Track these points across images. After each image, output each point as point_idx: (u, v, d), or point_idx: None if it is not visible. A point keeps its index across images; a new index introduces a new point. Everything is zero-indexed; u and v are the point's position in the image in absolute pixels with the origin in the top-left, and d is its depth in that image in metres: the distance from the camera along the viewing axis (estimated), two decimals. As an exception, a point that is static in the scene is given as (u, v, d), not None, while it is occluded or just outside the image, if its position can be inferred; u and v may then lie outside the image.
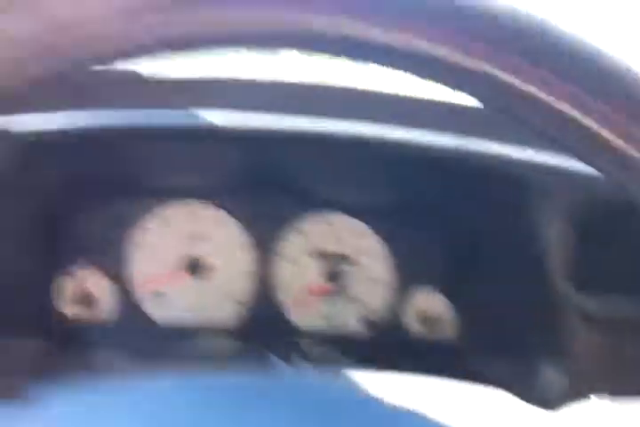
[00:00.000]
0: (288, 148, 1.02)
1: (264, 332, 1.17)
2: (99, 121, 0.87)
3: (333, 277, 1.21)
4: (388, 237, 1.24)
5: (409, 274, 1.20)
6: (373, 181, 1.21)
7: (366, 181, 1.21)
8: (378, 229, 1.26)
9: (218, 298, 1.17)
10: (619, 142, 0.29)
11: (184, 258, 1.16)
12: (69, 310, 1.12)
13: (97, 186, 1.10)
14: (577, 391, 0.72)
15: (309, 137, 0.96)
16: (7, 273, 1.00)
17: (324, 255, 1.24)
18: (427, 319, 1.20)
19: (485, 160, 0.93)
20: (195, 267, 1.16)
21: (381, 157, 1.04)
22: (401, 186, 1.20)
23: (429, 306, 1.21)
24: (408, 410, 0.39)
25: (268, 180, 1.20)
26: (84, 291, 1.13)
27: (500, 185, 0.98)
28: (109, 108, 0.87)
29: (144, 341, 1.12)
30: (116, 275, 1.13)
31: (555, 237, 0.95)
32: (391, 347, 1.20)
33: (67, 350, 1.09)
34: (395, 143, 0.94)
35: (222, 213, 1.25)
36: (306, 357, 1.13)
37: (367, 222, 1.27)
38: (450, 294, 1.23)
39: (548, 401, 0.80)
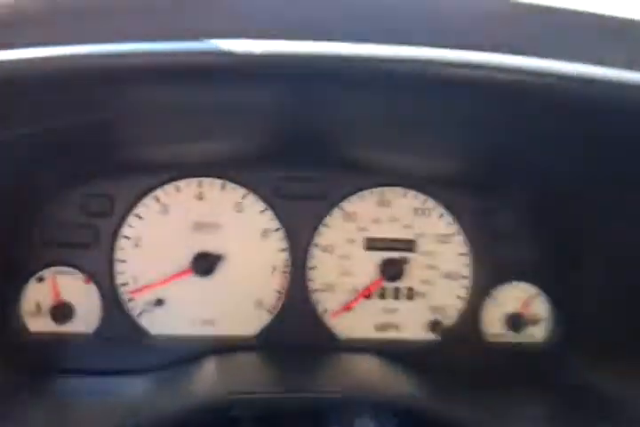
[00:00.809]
0: (328, 91, 0.72)
1: (296, 346, 0.94)
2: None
3: (392, 271, 0.99)
4: (464, 215, 1.01)
5: (493, 267, 1.01)
6: (443, 140, 0.89)
7: (433, 143, 0.90)
8: (450, 206, 1.01)
9: (236, 304, 0.96)
10: None
11: (190, 254, 0.94)
12: (42, 324, 0.91)
13: (74, 160, 0.85)
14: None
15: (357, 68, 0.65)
16: None
17: (379, 244, 0.99)
18: (514, 321, 1.02)
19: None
20: (204, 264, 0.94)
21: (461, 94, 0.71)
22: (484, 143, 0.89)
23: (519, 304, 1.02)
24: None
25: (302, 146, 0.91)
26: (59, 301, 0.91)
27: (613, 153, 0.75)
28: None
29: (137, 362, 0.90)
30: (102, 279, 0.92)
31: None
32: (466, 356, 0.99)
33: (35, 377, 0.86)
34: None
35: (240, 193, 0.97)
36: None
37: (436, 198, 1.01)
38: (545, 289, 1.02)
39: None
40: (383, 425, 0.61)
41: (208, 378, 0.84)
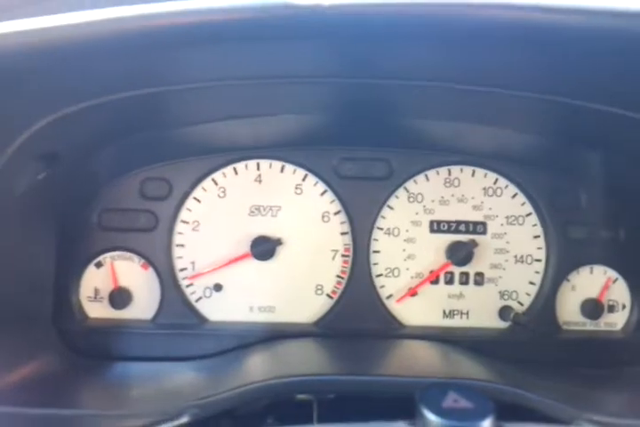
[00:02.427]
0: (396, 55, 0.67)
1: (359, 332, 0.91)
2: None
3: (461, 255, 0.93)
4: (539, 195, 0.94)
5: (569, 250, 0.94)
6: (516, 114, 0.82)
7: (506, 117, 0.83)
8: (523, 185, 0.94)
9: (295, 289, 0.93)
10: None
11: (249, 238, 0.91)
12: (97, 309, 0.91)
13: (132, 143, 0.81)
14: None
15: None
16: (10, 266, 0.74)
17: (447, 226, 0.94)
18: (593, 308, 0.96)
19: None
20: (263, 248, 0.91)
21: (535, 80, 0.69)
22: (559, 116, 0.81)
23: (597, 289, 0.96)
24: None
25: (365, 123, 0.85)
26: (118, 286, 0.90)
27: None
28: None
29: (194, 349, 0.88)
30: (160, 265, 0.90)
31: None
32: (540, 347, 0.92)
33: (90, 362, 0.84)
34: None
35: (300, 174, 0.93)
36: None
37: (508, 177, 0.94)
38: (624, 273, 0.95)
39: None
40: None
41: (267, 362, 0.81)
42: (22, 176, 0.71)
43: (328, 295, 0.94)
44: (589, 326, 0.96)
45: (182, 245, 0.91)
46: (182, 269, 0.91)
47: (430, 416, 0.48)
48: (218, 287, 0.91)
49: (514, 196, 0.94)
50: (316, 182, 0.92)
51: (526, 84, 0.74)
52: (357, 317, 0.93)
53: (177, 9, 0.56)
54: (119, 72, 0.62)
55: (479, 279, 0.95)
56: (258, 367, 0.79)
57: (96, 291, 0.90)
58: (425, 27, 0.57)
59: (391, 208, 0.93)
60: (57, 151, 0.72)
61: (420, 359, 0.85)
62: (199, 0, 0.59)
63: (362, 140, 0.90)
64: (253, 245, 0.90)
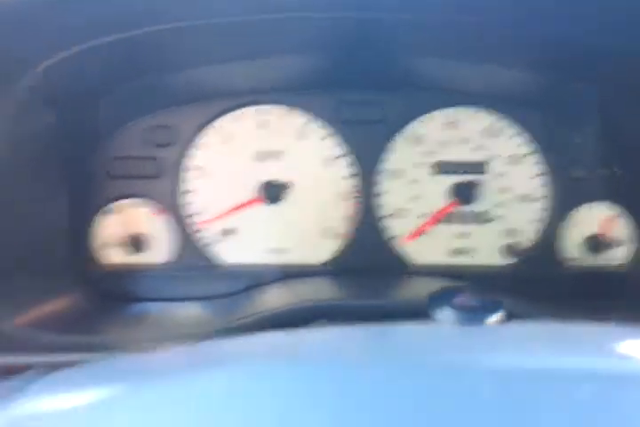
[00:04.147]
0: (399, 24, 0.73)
1: (367, 271, 0.93)
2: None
3: (464, 195, 0.96)
4: (540, 134, 0.96)
5: (571, 187, 0.97)
6: (514, 51, 0.84)
7: (504, 55, 0.85)
8: (524, 125, 0.96)
9: (305, 231, 0.96)
10: None
11: (257, 182, 0.94)
12: (113, 254, 0.93)
13: (135, 91, 0.84)
14: None
15: None
16: (25, 209, 0.77)
17: (449, 167, 0.97)
18: (593, 243, 0.98)
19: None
20: (272, 192, 0.93)
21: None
22: (557, 53, 0.84)
23: (598, 225, 0.98)
24: None
25: (364, 65, 0.87)
26: (132, 232, 0.93)
27: None
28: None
29: (209, 290, 0.91)
30: (173, 209, 0.93)
31: None
32: (543, 280, 0.95)
33: (109, 303, 0.88)
34: None
35: (302, 119, 0.95)
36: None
37: (508, 116, 0.96)
38: (627, 208, 0.97)
39: None
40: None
41: (282, 297, 0.84)
42: (29, 122, 0.74)
43: (337, 237, 0.95)
44: (592, 260, 0.98)
45: (192, 191, 0.93)
46: (194, 215, 0.93)
47: (442, 312, 0.50)
48: (230, 231, 0.94)
49: (513, 136, 0.96)
50: (319, 126, 0.94)
51: (519, 20, 0.76)
52: (366, 257, 0.96)
53: None
54: (119, 11, 0.65)
55: (483, 218, 0.97)
56: (272, 303, 0.82)
57: (111, 237, 0.92)
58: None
59: (394, 151, 0.95)
60: (61, 95, 0.74)
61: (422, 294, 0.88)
62: None
63: (361, 83, 0.92)
64: (262, 189, 0.92)
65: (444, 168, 0.96)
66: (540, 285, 0.93)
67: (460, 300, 0.51)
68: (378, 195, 0.96)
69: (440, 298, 0.51)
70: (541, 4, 0.70)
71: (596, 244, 0.98)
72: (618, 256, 0.98)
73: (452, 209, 0.97)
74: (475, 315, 0.49)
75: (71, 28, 0.65)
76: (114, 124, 0.91)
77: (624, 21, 0.71)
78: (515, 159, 0.96)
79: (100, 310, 0.85)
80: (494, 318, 0.49)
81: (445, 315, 0.52)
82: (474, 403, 0.34)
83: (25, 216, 0.77)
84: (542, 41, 0.81)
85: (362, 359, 0.40)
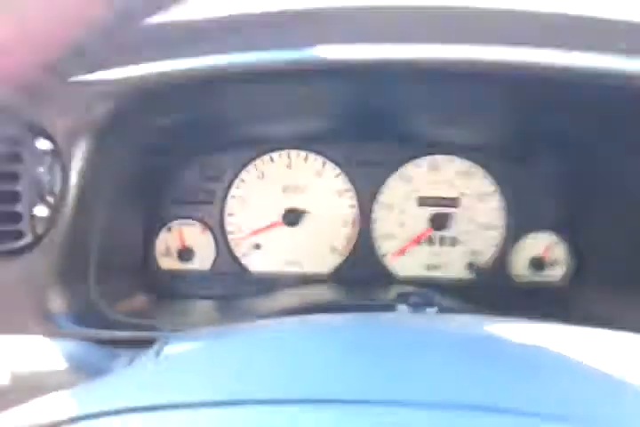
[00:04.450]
0: (390, 86, 0.93)
1: (362, 280, 1.16)
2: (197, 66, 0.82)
3: (440, 223, 1.18)
4: (501, 177, 1.18)
5: (522, 219, 1.18)
6: (490, 118, 1.08)
7: (482, 119, 1.09)
8: (491, 171, 1.19)
9: (315, 247, 1.18)
10: None
11: (281, 209, 1.18)
12: (170, 263, 1.17)
13: (196, 139, 1.03)
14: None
15: (414, 68, 0.86)
16: (109, 226, 0.98)
17: (429, 201, 1.19)
18: (537, 263, 1.19)
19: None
20: (292, 217, 1.17)
21: (495, 84, 0.92)
22: (515, 120, 1.09)
23: (541, 250, 1.19)
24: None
25: (373, 126, 1.10)
26: (184, 245, 1.16)
27: (622, 125, 0.89)
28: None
29: (239, 291, 1.13)
30: (215, 229, 1.17)
31: None
32: (495, 291, 1.17)
33: (166, 300, 1.11)
34: (510, 66, 0.83)
35: (320, 161, 1.19)
36: (405, 302, 1.09)
37: (479, 164, 1.18)
38: (564, 237, 1.19)
39: None
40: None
41: (294, 297, 1.10)
42: (130, 166, 0.99)
43: (340, 253, 1.18)
44: (535, 277, 1.18)
45: (232, 215, 1.16)
46: (231, 233, 1.17)
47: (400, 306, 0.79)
48: (258, 246, 1.18)
49: (480, 178, 1.18)
50: (333, 167, 1.17)
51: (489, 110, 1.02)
52: (361, 269, 1.17)
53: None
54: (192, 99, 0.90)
55: (453, 241, 1.18)
56: (286, 302, 1.08)
57: (167, 248, 1.16)
58: (414, 76, 0.84)
59: (388, 187, 1.18)
60: (163, 147, 1.00)
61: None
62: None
63: (368, 136, 1.14)
64: (285, 214, 1.16)
65: (425, 202, 1.18)
66: (495, 294, 1.13)
67: (412, 299, 0.80)
68: (373, 221, 1.19)
69: (401, 298, 0.81)
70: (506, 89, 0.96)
71: (539, 264, 1.18)
72: (555, 274, 1.18)
73: (430, 234, 1.19)
74: (417, 308, 0.79)
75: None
76: (180, 163, 1.14)
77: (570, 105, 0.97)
78: (480, 196, 1.18)
79: (159, 303, 1.11)
80: (430, 310, 0.78)
81: (401, 308, 0.81)
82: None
83: (116, 233, 1.00)
84: (503, 112, 1.08)
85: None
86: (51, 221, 0.85)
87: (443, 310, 0.82)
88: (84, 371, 0.64)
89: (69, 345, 0.70)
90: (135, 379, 0.43)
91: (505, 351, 0.45)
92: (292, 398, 0.36)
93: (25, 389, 0.58)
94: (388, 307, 0.82)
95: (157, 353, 0.54)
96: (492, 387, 0.39)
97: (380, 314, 0.63)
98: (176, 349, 0.54)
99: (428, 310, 0.81)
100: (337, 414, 0.35)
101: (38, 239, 0.85)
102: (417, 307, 0.82)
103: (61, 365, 0.63)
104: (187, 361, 0.46)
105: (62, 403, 0.40)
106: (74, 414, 0.37)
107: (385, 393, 0.36)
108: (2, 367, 0.58)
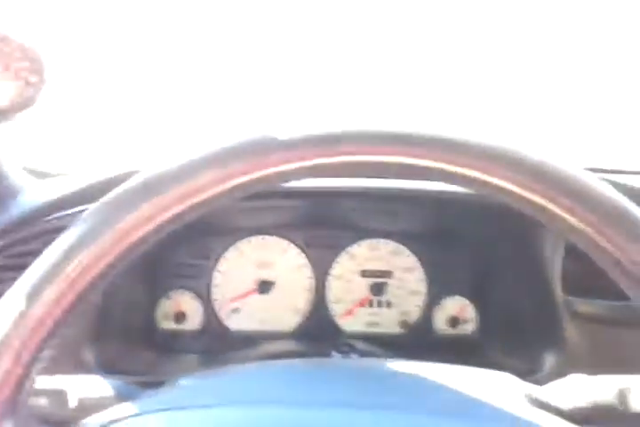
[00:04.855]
0: (340, 197, 1.23)
1: (319, 335, 1.37)
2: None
3: (377, 290, 1.42)
4: (423, 257, 1.43)
5: (440, 287, 1.43)
6: (411, 215, 1.44)
7: (406, 216, 1.43)
8: (415, 251, 1.51)
9: (281, 309, 1.40)
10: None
11: (256, 281, 1.40)
12: (166, 323, 1.38)
13: (188, 228, 1.34)
14: (564, 370, 0.76)
15: (358, 191, 1.18)
16: (124, 297, 1.28)
17: (369, 273, 1.44)
18: (453, 321, 1.42)
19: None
20: (264, 287, 1.40)
21: (416, 202, 1.25)
22: (433, 219, 1.40)
23: (456, 310, 1.43)
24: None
25: (325, 218, 1.44)
26: (179, 310, 1.38)
27: (511, 219, 1.18)
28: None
29: (223, 346, 1.33)
30: (204, 296, 1.38)
31: (553, 252, 1.16)
32: (423, 342, 1.40)
33: (165, 355, 1.38)
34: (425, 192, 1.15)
35: (285, 243, 1.50)
36: (353, 352, 1.41)
37: (406, 245, 1.51)
38: (473, 300, 1.43)
39: (541, 378, 1.02)
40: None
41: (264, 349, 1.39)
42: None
43: (301, 314, 1.40)
44: (452, 331, 1.41)
45: (217, 285, 1.43)
46: (216, 300, 1.40)
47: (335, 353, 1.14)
48: (237, 310, 1.42)
49: (408, 256, 1.44)
50: (294, 248, 1.44)
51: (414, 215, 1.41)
52: (318, 326, 1.39)
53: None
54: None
55: (388, 304, 1.41)
56: (259, 354, 1.38)
57: (166, 313, 1.41)
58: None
59: (338, 263, 1.42)
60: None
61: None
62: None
63: (321, 226, 1.40)
64: (259, 285, 1.39)
65: (366, 274, 1.41)
66: (422, 345, 1.36)
67: (343, 349, 1.16)
68: (327, 289, 1.41)
69: (337, 348, 1.16)
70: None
71: (455, 321, 1.41)
72: (468, 328, 1.42)
73: (370, 298, 1.42)
74: (345, 355, 1.14)
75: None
76: (176, 246, 1.40)
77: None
78: (407, 270, 1.42)
79: (160, 357, 1.42)
80: (353, 356, 1.13)
81: (336, 355, 1.16)
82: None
83: (127, 303, 1.29)
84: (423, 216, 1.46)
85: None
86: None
87: (363, 355, 1.17)
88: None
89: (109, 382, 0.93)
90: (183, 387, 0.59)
91: (392, 373, 0.61)
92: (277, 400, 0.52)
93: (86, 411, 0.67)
94: (327, 355, 1.18)
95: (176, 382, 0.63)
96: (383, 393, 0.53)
97: (319, 359, 0.85)
98: (189, 381, 0.63)
99: (352, 355, 1.16)
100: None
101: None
102: (344, 353, 1.17)
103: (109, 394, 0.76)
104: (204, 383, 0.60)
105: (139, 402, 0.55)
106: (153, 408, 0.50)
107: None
108: (70, 395, 0.69)
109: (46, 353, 0.45)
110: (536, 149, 0.48)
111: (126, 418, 0.50)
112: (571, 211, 0.45)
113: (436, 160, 0.45)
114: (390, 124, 0.48)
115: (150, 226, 0.44)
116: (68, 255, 0.44)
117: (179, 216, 0.45)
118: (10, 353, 0.43)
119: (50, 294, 0.44)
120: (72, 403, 0.65)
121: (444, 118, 0.48)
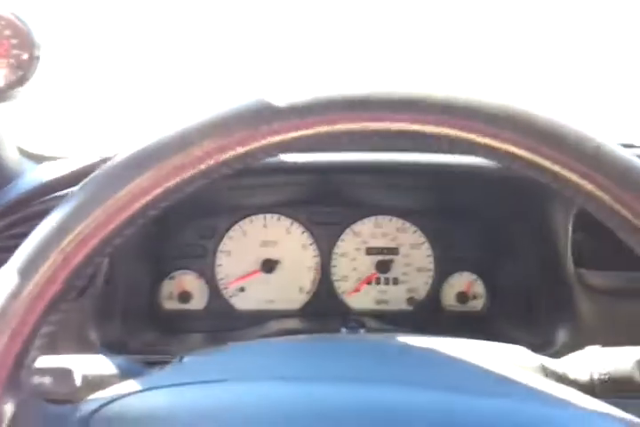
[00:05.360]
0: (345, 173, 1.22)
1: (326, 313, 1.37)
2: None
3: (384, 267, 1.41)
4: (430, 233, 1.41)
5: (448, 263, 1.41)
6: (417, 191, 1.42)
7: (411, 192, 1.40)
8: (421, 227, 1.49)
9: (287, 288, 1.40)
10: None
11: (260, 260, 1.40)
12: (171, 303, 1.37)
13: (191, 208, 1.29)
14: (578, 344, 0.76)
15: (362, 166, 1.18)
16: (127, 279, 1.28)
17: (375, 251, 1.43)
18: (462, 297, 1.41)
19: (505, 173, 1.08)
20: (268, 266, 1.39)
21: (421, 177, 1.24)
22: (439, 194, 1.39)
23: (464, 286, 1.41)
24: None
25: (330, 195, 1.42)
26: (183, 290, 1.37)
27: (520, 190, 1.15)
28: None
29: (228, 325, 1.33)
30: (208, 276, 1.38)
31: (562, 226, 1.15)
32: (431, 319, 1.39)
33: (169, 335, 1.32)
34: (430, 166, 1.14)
35: (288, 222, 1.48)
36: (362, 328, 1.40)
37: (412, 222, 1.50)
38: (481, 276, 1.42)
39: (555, 353, 1.00)
40: None
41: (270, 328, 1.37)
42: (141, 231, 1.30)
43: (306, 293, 1.40)
44: (462, 307, 1.40)
45: (221, 265, 1.40)
46: (220, 279, 1.40)
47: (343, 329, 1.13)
48: (242, 289, 1.40)
49: (414, 232, 1.43)
50: (299, 226, 1.41)
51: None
52: (324, 304, 1.39)
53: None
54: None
55: (395, 281, 1.40)
56: (265, 333, 1.36)
57: (170, 293, 1.40)
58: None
59: (343, 240, 1.41)
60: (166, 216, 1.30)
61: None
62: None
63: (326, 203, 1.38)
64: (263, 264, 1.39)
65: (371, 251, 1.40)
66: (430, 322, 1.36)
67: (350, 324, 1.14)
68: (332, 267, 1.42)
69: (344, 325, 1.15)
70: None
71: (463, 297, 1.39)
72: (476, 305, 1.41)
73: (376, 275, 1.43)
74: (353, 330, 1.12)
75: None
76: (179, 226, 1.36)
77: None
78: (414, 246, 1.41)
79: (164, 337, 1.41)
80: (361, 332, 1.12)
81: (343, 331, 1.14)
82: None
83: (132, 284, 1.30)
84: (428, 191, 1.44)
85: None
86: (90, 278, 1.15)
87: (370, 331, 1.16)
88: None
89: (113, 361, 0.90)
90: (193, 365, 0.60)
91: (405, 347, 0.61)
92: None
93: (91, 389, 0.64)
94: (335, 330, 1.17)
95: (180, 360, 0.64)
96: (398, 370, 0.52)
97: (327, 335, 0.90)
98: (195, 358, 0.63)
99: (361, 331, 1.14)
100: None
101: (82, 291, 1.15)
102: (352, 329, 1.16)
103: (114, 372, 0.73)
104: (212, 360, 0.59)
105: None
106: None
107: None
108: (76, 374, 0.67)
109: (46, 330, 0.43)
110: (545, 111, 0.44)
111: (130, 394, 0.50)
112: (586, 176, 0.42)
113: (440, 125, 0.42)
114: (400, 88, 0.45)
115: (147, 198, 0.42)
116: (62, 229, 0.42)
117: (176, 188, 0.42)
118: (7, 330, 0.42)
119: (45, 268, 0.41)
120: (77, 381, 0.64)
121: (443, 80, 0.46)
